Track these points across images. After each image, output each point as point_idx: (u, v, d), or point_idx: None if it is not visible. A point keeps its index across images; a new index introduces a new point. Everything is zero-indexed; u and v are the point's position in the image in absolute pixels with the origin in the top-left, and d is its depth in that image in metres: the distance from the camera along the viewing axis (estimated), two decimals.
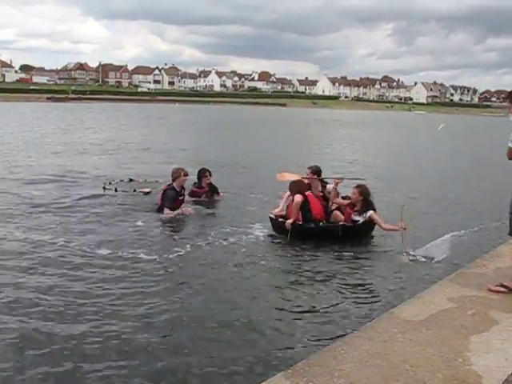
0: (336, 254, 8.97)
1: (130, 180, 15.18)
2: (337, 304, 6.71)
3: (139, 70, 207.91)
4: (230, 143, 31.04)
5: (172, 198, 11.39)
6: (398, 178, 18.51)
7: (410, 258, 8.81)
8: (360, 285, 7.54)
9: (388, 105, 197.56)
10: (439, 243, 9.03)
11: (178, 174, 11.61)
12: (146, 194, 13.30)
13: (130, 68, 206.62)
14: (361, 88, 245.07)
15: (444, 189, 16.52)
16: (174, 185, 11.54)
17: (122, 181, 14.90)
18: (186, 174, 11.72)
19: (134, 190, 13.53)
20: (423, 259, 8.73)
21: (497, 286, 6.01)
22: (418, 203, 13.42)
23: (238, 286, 7.25)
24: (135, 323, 5.88)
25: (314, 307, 6.59)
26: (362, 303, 6.80)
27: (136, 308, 6.29)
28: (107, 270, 7.67)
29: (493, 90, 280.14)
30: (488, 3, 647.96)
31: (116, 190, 13.57)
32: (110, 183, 14.32)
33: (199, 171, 13.27)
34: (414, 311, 5.25)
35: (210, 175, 13.19)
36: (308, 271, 8.04)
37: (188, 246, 8.97)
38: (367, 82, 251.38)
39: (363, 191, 10.01)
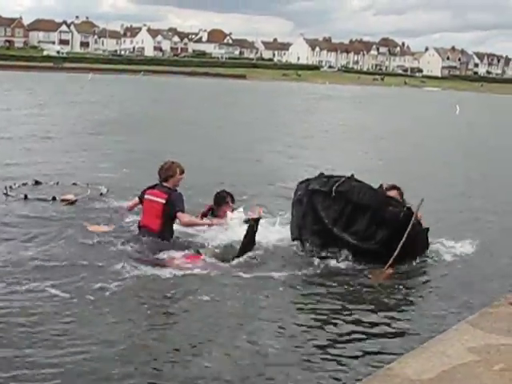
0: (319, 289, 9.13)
1: (36, 182, 15.00)
2: (312, 358, 6.76)
3: (39, 24, 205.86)
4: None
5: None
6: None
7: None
8: (349, 330, 7.63)
9: (376, 77, 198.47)
10: (457, 262, 9.32)
11: (172, 171, 11.05)
12: (72, 203, 13.17)
13: (26, 22, 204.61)
14: (351, 54, 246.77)
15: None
16: (167, 185, 10.95)
17: (24, 184, 14.70)
18: (182, 172, 11.17)
19: (54, 198, 13.35)
20: (431, 287, 8.97)
21: None
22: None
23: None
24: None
25: (282, 362, 6.66)
26: (350, 357, 6.84)
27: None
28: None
29: None
30: None
31: (26, 198, 13.38)
32: (11, 187, 14.09)
33: (219, 195, 12.20)
34: (420, 366, 5.30)
35: (233, 201, 12.20)
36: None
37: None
38: (360, 47, 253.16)
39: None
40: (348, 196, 10.17)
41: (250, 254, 10.22)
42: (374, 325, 7.85)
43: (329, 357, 6.82)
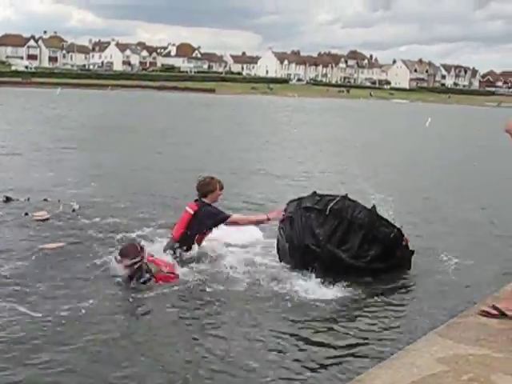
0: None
1: (7, 199, 14.72)
2: (282, 369, 6.74)
3: (7, 39, 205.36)
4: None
5: None
6: None
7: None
8: (313, 341, 7.62)
9: (342, 89, 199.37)
10: (429, 273, 9.45)
11: (213, 186, 10.88)
12: (44, 220, 12.94)
13: None
14: (319, 67, 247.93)
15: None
16: (206, 201, 10.82)
17: None
18: (222, 188, 11.01)
19: (26, 214, 13.21)
20: (402, 298, 9.06)
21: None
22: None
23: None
24: None
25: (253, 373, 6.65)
26: (317, 369, 6.83)
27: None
28: None
29: (498, 71, 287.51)
30: None
31: None
32: None
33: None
34: (389, 378, 5.32)
35: None
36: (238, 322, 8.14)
37: None
38: (328, 60, 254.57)
39: None
40: (342, 214, 10.23)
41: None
42: (343, 336, 7.83)
43: (296, 370, 6.79)
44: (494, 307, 7.19)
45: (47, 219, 12.99)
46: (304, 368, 6.83)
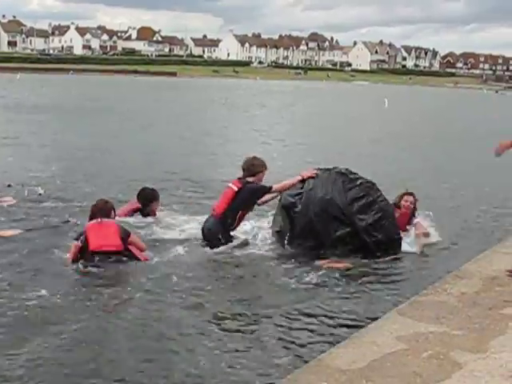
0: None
1: None
2: (248, 351, 6.72)
3: None
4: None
5: None
6: None
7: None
8: (280, 320, 7.63)
9: (299, 71, 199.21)
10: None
11: (262, 167, 11.01)
12: (11, 205, 12.77)
13: None
14: (280, 50, 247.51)
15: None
16: (250, 180, 10.86)
17: None
18: (266, 168, 11.12)
19: None
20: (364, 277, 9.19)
21: None
22: None
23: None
24: None
25: (219, 350, 6.68)
26: (281, 348, 6.84)
27: None
28: None
29: (458, 52, 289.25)
30: None
31: None
32: None
33: (147, 195, 12.04)
34: (350, 357, 5.37)
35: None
36: (207, 299, 8.15)
37: None
38: (289, 42, 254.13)
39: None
40: (370, 192, 10.74)
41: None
42: (305, 316, 7.84)
43: (259, 351, 6.81)
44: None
45: (13, 204, 12.88)
46: (266, 348, 6.88)
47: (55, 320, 7.39)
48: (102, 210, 10.02)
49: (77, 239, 9.74)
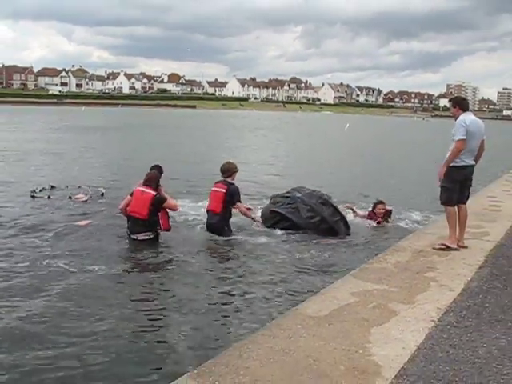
0: (248, 249, 9.25)
1: (52, 187, 14.40)
2: (243, 303, 6.79)
3: (45, 71, 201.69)
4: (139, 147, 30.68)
5: None
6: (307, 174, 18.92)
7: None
8: (268, 282, 7.65)
9: (279, 104, 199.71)
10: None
11: (236, 168, 10.79)
12: (84, 202, 12.73)
13: (35, 70, 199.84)
14: (270, 89, 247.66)
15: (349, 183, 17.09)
16: (229, 180, 10.61)
17: (44, 188, 14.13)
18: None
19: (70, 197, 12.97)
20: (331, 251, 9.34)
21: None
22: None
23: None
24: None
25: (220, 306, 6.69)
26: (267, 302, 6.89)
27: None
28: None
29: (396, 90, 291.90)
30: (390, 8, 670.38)
31: (49, 198, 12.97)
32: (34, 191, 13.53)
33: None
34: (317, 307, 5.38)
35: None
36: (213, 269, 8.16)
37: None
38: (276, 84, 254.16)
39: None
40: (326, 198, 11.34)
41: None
42: (283, 276, 7.94)
43: (249, 300, 6.90)
44: (442, 243, 7.97)
45: (86, 201, 12.82)
46: (255, 303, 6.89)
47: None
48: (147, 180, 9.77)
49: (131, 194, 9.71)
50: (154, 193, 9.59)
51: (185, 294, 7.05)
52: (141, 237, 9.46)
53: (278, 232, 10.52)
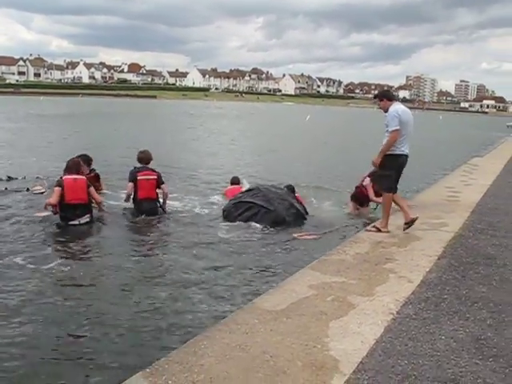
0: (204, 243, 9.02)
1: (9, 178, 14.02)
2: (199, 298, 6.60)
3: (2, 60, 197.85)
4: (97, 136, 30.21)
5: None
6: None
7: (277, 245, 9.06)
8: (225, 275, 7.50)
9: (237, 94, 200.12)
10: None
11: (151, 156, 11.26)
12: (42, 193, 12.19)
13: None
14: (231, 80, 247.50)
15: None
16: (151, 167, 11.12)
17: (1, 179, 13.76)
18: None
19: (27, 189, 12.53)
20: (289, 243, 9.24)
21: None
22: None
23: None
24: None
25: (173, 301, 6.46)
26: (224, 295, 6.72)
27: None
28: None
29: (356, 82, 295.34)
30: (352, 0, 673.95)
31: (6, 189, 12.50)
32: None
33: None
34: (275, 301, 5.26)
35: None
36: (170, 262, 7.97)
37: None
38: (237, 74, 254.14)
39: None
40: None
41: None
42: (243, 269, 7.78)
43: (204, 294, 6.71)
44: (375, 226, 8.49)
45: (43, 192, 12.42)
46: (205, 293, 6.75)
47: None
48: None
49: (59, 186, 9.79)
50: (84, 177, 10.09)
51: (140, 288, 6.86)
52: (83, 220, 9.76)
53: (239, 224, 10.33)
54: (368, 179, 11.28)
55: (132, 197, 10.84)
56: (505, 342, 4.56)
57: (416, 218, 8.31)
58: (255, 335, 4.48)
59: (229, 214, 10.76)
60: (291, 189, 12.19)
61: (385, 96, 8.65)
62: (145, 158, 11.03)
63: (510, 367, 4.12)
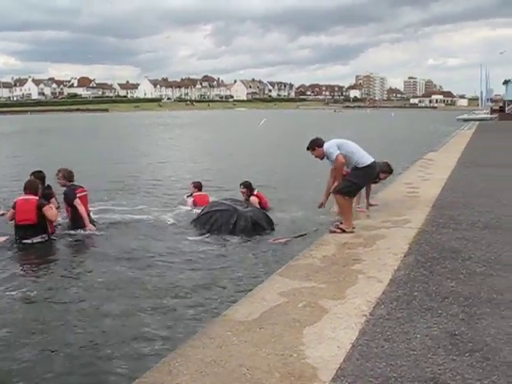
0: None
1: None
2: (167, 313, 6.47)
3: None
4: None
5: None
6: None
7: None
8: (192, 288, 7.39)
9: (188, 103, 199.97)
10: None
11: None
12: (1, 215, 11.61)
13: None
14: (182, 89, 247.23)
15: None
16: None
17: None
18: None
19: None
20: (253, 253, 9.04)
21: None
22: None
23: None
24: None
25: (141, 319, 6.31)
26: (195, 307, 6.62)
27: None
28: None
29: (307, 84, 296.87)
30: (299, 4, 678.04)
31: None
32: None
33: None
34: (246, 311, 5.15)
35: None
36: (134, 276, 7.80)
37: None
38: (188, 83, 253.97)
39: None
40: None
41: None
42: (212, 279, 7.67)
43: (172, 309, 6.59)
44: (338, 227, 8.36)
45: (2, 214, 11.92)
46: (173, 308, 6.65)
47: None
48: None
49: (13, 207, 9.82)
50: (37, 197, 9.81)
51: (105, 305, 6.69)
52: (35, 240, 9.60)
53: (203, 237, 10.22)
54: None
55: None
56: (479, 335, 4.54)
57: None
58: (229, 348, 4.37)
59: (198, 223, 10.80)
60: (247, 185, 12.21)
61: (315, 144, 8.77)
62: (70, 175, 10.89)
63: (486, 361, 4.10)
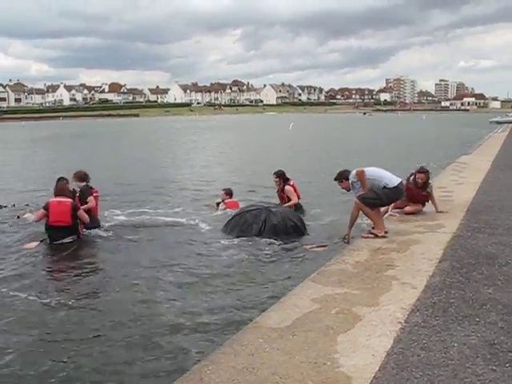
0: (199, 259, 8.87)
1: (0, 207, 13.69)
2: (198, 319, 6.39)
3: None
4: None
5: None
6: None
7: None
8: (225, 292, 7.33)
9: (216, 107, 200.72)
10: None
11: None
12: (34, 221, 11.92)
13: None
14: (212, 93, 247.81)
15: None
16: None
17: None
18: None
19: (18, 217, 12.20)
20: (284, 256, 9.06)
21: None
22: None
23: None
24: None
25: (171, 325, 6.24)
26: (226, 313, 6.54)
27: None
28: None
29: (337, 88, 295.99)
30: (328, 8, 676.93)
31: None
32: None
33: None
34: (278, 317, 5.08)
35: None
36: (163, 278, 7.77)
37: None
38: (218, 87, 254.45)
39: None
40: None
41: None
42: (242, 286, 7.57)
43: (203, 315, 6.49)
44: (371, 232, 8.37)
45: (19, 217, 12.14)
46: (204, 313, 6.56)
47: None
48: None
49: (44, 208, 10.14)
50: (71, 200, 10.13)
51: (136, 307, 6.68)
52: (66, 240, 9.92)
53: (235, 240, 10.10)
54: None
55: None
56: None
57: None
58: (262, 356, 4.29)
59: (229, 226, 10.72)
60: (280, 174, 12.09)
61: (343, 177, 8.86)
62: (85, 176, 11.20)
63: None
